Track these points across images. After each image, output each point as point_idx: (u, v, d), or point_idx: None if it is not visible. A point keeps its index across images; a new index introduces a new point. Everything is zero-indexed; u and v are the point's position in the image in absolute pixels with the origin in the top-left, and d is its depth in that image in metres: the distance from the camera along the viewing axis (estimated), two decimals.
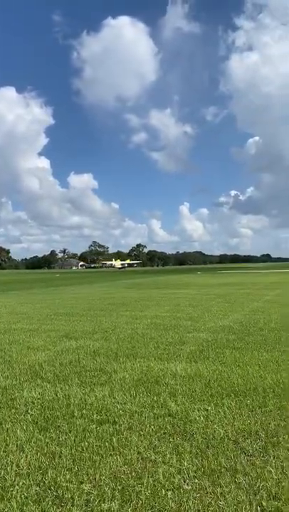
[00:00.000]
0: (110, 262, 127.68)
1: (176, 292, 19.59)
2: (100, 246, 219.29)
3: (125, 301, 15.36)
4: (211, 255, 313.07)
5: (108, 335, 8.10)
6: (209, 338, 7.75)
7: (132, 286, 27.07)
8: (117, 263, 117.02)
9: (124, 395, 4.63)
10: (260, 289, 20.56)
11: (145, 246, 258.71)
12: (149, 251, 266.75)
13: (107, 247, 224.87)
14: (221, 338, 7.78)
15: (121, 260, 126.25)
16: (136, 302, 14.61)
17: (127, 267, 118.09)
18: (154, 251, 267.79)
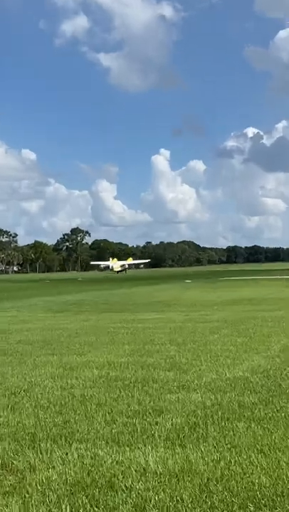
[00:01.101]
0: (106, 263, 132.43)
1: (146, 318, 19.59)
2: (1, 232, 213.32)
3: (53, 335, 15.03)
4: (211, 249, 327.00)
5: (18, 401, 7.72)
6: (208, 402, 7.45)
7: (68, 306, 27.06)
8: (116, 264, 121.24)
9: None
10: None
11: (87, 233, 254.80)
12: (95, 242, 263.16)
13: (15, 236, 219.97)
14: (230, 400, 7.51)
15: (120, 260, 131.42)
16: (71, 338, 14.41)
17: (129, 268, 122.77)
18: (105, 241, 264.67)
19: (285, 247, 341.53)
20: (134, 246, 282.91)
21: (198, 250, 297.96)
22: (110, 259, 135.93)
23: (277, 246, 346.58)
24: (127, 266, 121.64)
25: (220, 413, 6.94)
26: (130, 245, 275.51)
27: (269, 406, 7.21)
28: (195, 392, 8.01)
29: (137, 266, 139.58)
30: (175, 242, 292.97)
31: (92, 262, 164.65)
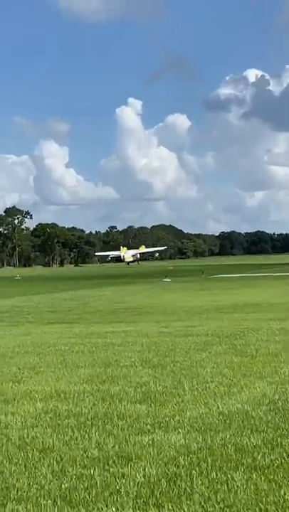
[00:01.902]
0: (115, 253, 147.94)
1: (110, 331, 19.72)
2: None
3: None
4: (199, 236, 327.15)
5: None
6: (193, 446, 7.49)
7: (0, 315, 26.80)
8: (128, 253, 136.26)
9: None
10: None
11: (27, 214, 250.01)
12: (39, 227, 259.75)
13: None
14: (223, 443, 7.54)
15: (129, 248, 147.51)
16: (5, 359, 14.36)
17: (140, 259, 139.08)
18: (53, 226, 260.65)
19: None
20: (94, 232, 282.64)
21: (181, 238, 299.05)
22: (121, 248, 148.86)
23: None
24: (138, 256, 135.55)
25: (210, 460, 6.95)
26: (87, 231, 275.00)
27: (276, 450, 7.25)
28: (176, 432, 8.03)
29: (151, 255, 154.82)
30: (149, 227, 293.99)
31: (97, 253, 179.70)
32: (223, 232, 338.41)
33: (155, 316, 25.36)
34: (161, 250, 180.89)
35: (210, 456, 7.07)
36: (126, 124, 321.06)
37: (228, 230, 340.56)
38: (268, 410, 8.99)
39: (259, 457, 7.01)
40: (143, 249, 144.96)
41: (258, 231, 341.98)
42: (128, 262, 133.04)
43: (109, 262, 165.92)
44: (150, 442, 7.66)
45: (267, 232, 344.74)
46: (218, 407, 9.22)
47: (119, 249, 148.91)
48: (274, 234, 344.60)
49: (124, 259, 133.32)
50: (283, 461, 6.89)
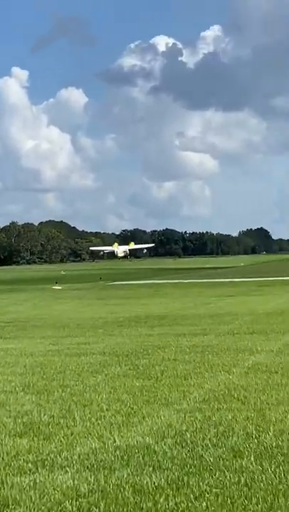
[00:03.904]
0: (108, 248, 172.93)
1: None
2: None
3: None
4: (97, 235, 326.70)
5: None
6: (83, 488, 7.47)
7: None
8: (119, 249, 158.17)
9: None
10: None
11: None
12: None
13: None
14: (120, 483, 7.56)
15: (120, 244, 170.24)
16: None
17: (130, 254, 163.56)
18: None
19: (214, 232, 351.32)
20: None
21: (75, 237, 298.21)
22: (116, 244, 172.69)
23: (203, 230, 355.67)
24: (128, 252, 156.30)
25: (102, 505, 6.96)
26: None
27: (182, 491, 7.30)
28: (63, 472, 8.01)
29: (139, 251, 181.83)
30: (36, 224, 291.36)
31: (92, 248, 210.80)
32: (125, 231, 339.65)
33: (42, 330, 25.24)
34: (149, 247, 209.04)
35: (103, 500, 7.08)
36: (8, 98, 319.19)
37: (132, 228, 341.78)
38: (173, 444, 9.05)
39: (162, 500, 7.06)
40: (132, 245, 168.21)
41: (167, 229, 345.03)
42: (120, 258, 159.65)
43: (102, 256, 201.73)
44: (31, 484, 7.62)
45: (177, 230, 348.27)
46: (115, 441, 9.23)
47: (111, 246, 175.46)
48: (185, 233, 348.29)
49: (117, 254, 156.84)
50: (190, 504, 6.96)
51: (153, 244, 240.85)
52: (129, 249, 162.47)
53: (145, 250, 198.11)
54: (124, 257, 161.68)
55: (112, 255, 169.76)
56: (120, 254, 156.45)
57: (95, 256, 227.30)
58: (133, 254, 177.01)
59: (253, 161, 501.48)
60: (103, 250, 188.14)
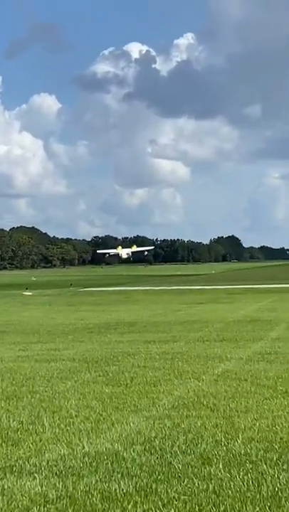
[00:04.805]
0: (113, 251, 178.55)
1: None
2: None
3: None
4: (68, 241, 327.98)
5: None
6: (51, 494, 7.42)
7: None
8: (123, 251, 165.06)
9: None
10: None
11: None
12: None
13: None
14: (88, 490, 7.53)
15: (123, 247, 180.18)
16: None
17: (134, 257, 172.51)
18: None
19: (185, 240, 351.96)
20: None
21: (46, 243, 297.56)
22: (120, 247, 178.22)
23: (174, 237, 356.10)
24: (130, 254, 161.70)
25: (70, 511, 6.98)
26: None
27: (150, 498, 7.30)
28: (31, 478, 7.97)
29: (141, 253, 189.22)
30: (7, 230, 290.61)
31: (98, 251, 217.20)
32: (96, 237, 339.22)
33: (11, 336, 25.13)
34: (150, 250, 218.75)
35: (71, 507, 7.07)
36: None
37: (103, 235, 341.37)
38: (142, 451, 9.04)
39: (130, 507, 7.05)
40: (134, 248, 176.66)
41: (138, 236, 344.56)
42: (124, 260, 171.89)
43: (107, 258, 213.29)
44: None
45: (148, 237, 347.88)
46: (84, 447, 9.22)
47: (115, 248, 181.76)
48: (157, 240, 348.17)
49: (121, 256, 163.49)
50: (158, 511, 6.95)
51: (153, 247, 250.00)
52: (132, 252, 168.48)
53: (146, 253, 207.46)
54: (127, 258, 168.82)
55: (117, 257, 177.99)
56: (124, 256, 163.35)
57: (100, 258, 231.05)
58: (137, 256, 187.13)
59: (225, 169, 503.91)
60: (108, 253, 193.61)
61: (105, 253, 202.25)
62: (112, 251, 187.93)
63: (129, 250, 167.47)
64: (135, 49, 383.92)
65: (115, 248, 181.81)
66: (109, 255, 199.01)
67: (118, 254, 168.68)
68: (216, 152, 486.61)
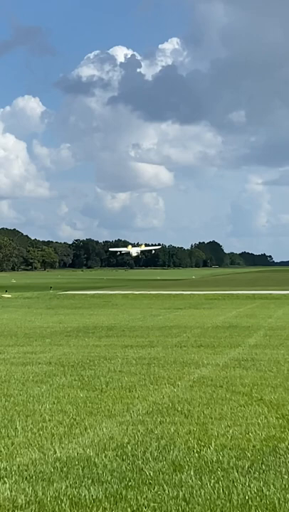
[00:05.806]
0: (125, 249, 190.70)
1: None
2: None
3: None
4: (49, 244, 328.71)
5: None
6: (20, 499, 7.42)
7: None
8: (133, 250, 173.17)
9: None
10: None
11: None
12: None
13: None
14: (57, 495, 7.53)
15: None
16: None
17: (144, 255, 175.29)
18: None
19: (166, 244, 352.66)
20: None
21: (27, 245, 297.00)
22: (130, 246, 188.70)
23: (156, 242, 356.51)
24: (139, 252, 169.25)
25: None
26: None
27: (119, 505, 7.28)
28: (1, 482, 7.95)
29: (149, 252, 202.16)
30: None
31: (110, 249, 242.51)
32: (77, 240, 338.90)
33: None
34: (157, 249, 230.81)
35: None
36: None
37: (84, 238, 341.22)
38: (114, 456, 9.03)
39: None
40: (143, 247, 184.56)
41: (120, 240, 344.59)
42: (134, 257, 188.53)
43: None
44: None
45: (130, 241, 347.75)
46: (55, 452, 9.20)
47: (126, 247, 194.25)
48: (138, 244, 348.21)
49: (131, 254, 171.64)
50: None
51: (160, 246, 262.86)
52: (141, 250, 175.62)
53: (154, 251, 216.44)
54: (137, 256, 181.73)
55: (128, 255, 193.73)
56: (134, 254, 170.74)
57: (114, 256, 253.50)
58: (145, 254, 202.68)
59: (208, 174, 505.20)
60: (120, 251, 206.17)
61: (117, 251, 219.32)
62: (123, 249, 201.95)
63: (138, 249, 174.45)
64: (120, 53, 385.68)
65: (126, 247, 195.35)
66: (121, 253, 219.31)
67: (129, 252, 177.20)
68: (200, 157, 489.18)
